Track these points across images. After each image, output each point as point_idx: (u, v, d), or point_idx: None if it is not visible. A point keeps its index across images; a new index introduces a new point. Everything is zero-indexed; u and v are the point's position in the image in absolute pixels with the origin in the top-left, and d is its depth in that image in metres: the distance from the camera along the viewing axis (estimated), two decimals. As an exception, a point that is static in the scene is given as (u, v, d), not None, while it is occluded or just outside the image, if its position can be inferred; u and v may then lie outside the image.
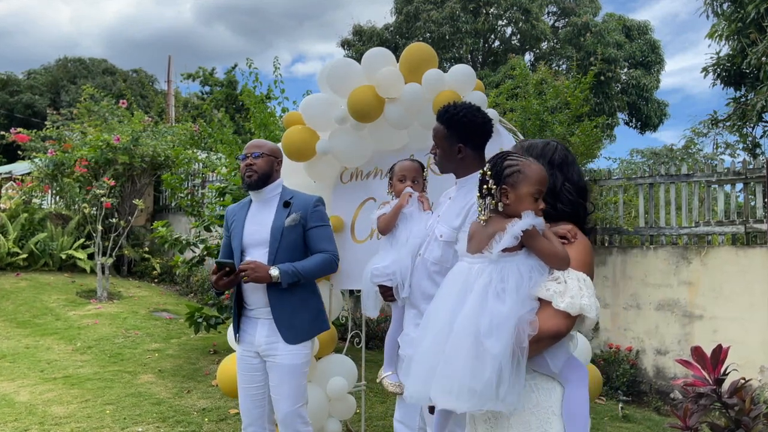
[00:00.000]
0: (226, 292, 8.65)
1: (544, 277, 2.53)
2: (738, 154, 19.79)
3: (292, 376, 4.25)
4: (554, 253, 2.53)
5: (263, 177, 4.37)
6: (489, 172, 2.61)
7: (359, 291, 5.43)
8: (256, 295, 4.29)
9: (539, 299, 2.51)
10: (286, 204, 4.38)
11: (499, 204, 2.58)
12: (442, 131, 3.64)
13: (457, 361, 2.44)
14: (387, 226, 4.10)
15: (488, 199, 2.60)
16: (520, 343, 2.41)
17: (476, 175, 3.63)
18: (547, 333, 2.47)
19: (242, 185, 4.55)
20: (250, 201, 4.52)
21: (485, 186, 2.61)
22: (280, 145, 4.81)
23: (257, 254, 4.25)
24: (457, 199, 3.65)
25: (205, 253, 9.34)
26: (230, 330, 5.25)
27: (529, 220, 2.49)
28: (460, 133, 3.60)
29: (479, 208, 2.66)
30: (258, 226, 4.36)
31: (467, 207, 3.51)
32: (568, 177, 2.82)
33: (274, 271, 4.12)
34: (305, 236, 4.38)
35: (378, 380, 4.21)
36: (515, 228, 2.48)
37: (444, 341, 2.52)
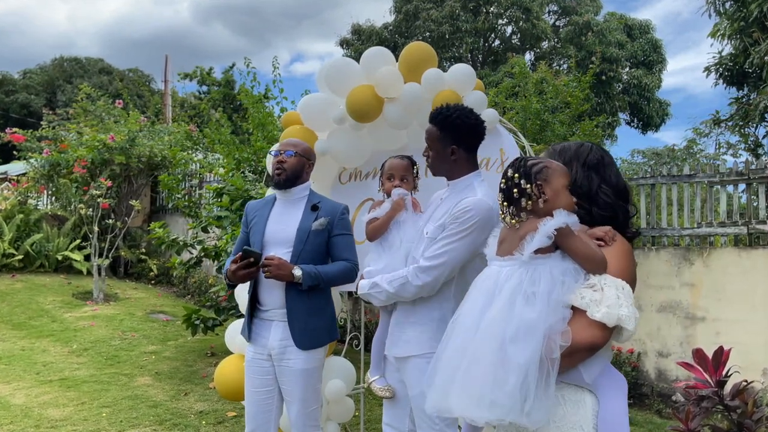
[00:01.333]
0: (224, 293, 8.72)
1: (579, 283, 2.43)
2: (740, 155, 19.86)
3: (305, 380, 4.21)
4: (590, 254, 2.45)
5: (292, 177, 4.30)
6: (516, 175, 2.54)
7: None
8: (272, 296, 4.22)
9: (573, 308, 2.41)
10: (314, 207, 4.32)
11: (538, 202, 2.50)
12: (436, 133, 3.64)
13: (478, 368, 2.35)
14: (376, 234, 4.06)
15: (524, 201, 2.52)
16: (549, 353, 2.30)
17: (468, 178, 3.67)
18: (581, 345, 2.37)
19: (270, 182, 4.47)
20: (274, 199, 4.46)
21: (516, 190, 2.53)
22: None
23: (279, 253, 4.17)
24: (447, 200, 3.66)
25: (202, 254, 9.34)
26: (228, 332, 5.25)
27: (562, 218, 2.43)
28: (453, 134, 3.60)
29: (508, 215, 2.58)
30: (282, 225, 4.29)
31: (453, 205, 3.53)
32: (605, 178, 2.73)
33: (297, 271, 4.06)
34: (329, 243, 4.33)
35: (366, 384, 4.19)
36: (548, 226, 2.41)
37: (467, 347, 2.43)
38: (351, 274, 4.35)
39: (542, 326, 2.32)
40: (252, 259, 4.04)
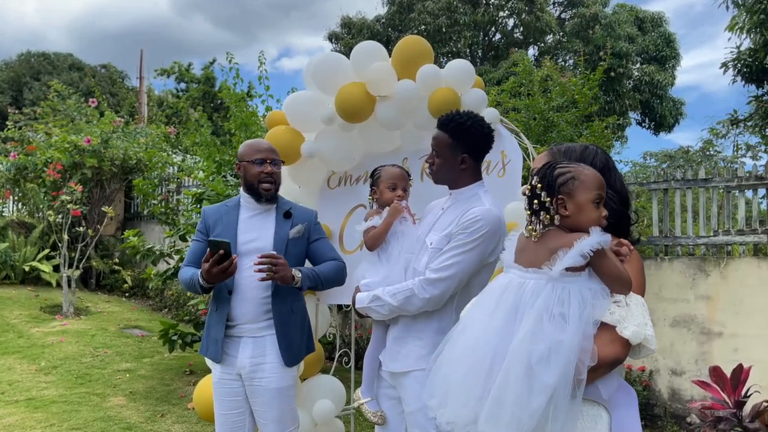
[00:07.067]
0: (203, 306, 8.70)
1: (606, 302, 2.47)
2: (760, 157, 19.85)
3: (280, 399, 4.19)
4: (621, 276, 2.47)
5: (278, 188, 4.34)
6: (539, 185, 2.55)
7: (348, 306, 5.41)
8: (243, 309, 4.18)
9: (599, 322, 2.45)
10: (287, 214, 4.32)
11: (556, 217, 2.51)
12: (446, 140, 3.66)
13: (508, 389, 2.37)
14: (376, 243, 4.08)
15: (542, 214, 2.53)
16: (578, 374, 2.35)
17: (472, 188, 3.70)
18: (605, 361, 2.44)
19: (258, 197, 4.29)
20: (237, 204, 4.40)
21: (536, 201, 2.55)
22: None
23: (254, 265, 4.09)
24: (450, 210, 3.69)
25: (180, 264, 9.31)
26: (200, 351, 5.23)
27: (597, 237, 2.41)
28: (465, 143, 3.64)
29: (529, 226, 2.60)
30: (256, 233, 4.25)
31: (459, 215, 3.54)
32: (610, 184, 2.75)
33: (297, 273, 4.06)
34: (308, 249, 4.37)
35: (356, 404, 4.18)
36: (584, 245, 2.40)
37: (490, 364, 2.45)
38: (343, 273, 4.41)
39: (573, 347, 2.34)
40: (222, 252, 3.90)
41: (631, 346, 2.46)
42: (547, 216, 2.52)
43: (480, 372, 2.46)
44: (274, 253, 4.04)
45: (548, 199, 2.52)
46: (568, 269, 2.43)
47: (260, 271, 3.95)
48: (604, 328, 2.44)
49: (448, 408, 2.59)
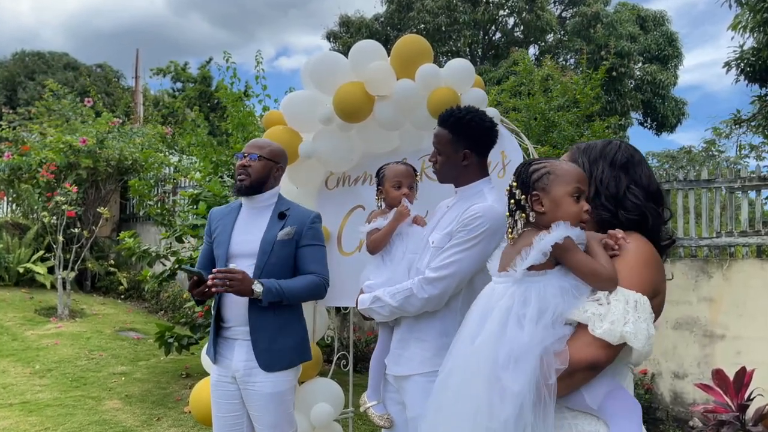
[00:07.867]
0: (199, 309, 8.70)
1: (580, 300, 2.36)
2: (764, 157, 19.83)
3: (275, 404, 4.16)
4: (595, 271, 2.36)
5: (256, 183, 4.26)
6: (515, 184, 2.52)
7: (346, 308, 5.40)
8: (235, 311, 4.18)
9: (578, 323, 2.34)
10: (282, 215, 4.28)
11: (531, 215, 2.47)
12: (447, 136, 3.63)
13: (471, 398, 2.32)
14: (378, 247, 4.05)
15: (518, 213, 2.50)
16: (545, 379, 2.24)
17: (477, 185, 3.67)
18: (580, 364, 2.29)
19: (233, 188, 4.43)
20: (240, 206, 4.42)
21: (512, 201, 2.51)
22: None
23: (244, 266, 4.09)
24: (455, 208, 3.66)
25: (176, 266, 9.29)
26: (204, 351, 5.22)
27: (560, 231, 2.36)
28: (466, 138, 3.61)
29: (508, 228, 2.55)
30: (247, 235, 4.25)
31: (461, 212, 3.52)
32: (634, 179, 2.67)
33: (258, 287, 3.99)
34: (296, 254, 4.29)
35: (362, 408, 4.17)
36: (544, 242, 2.35)
37: (461, 374, 2.41)
38: (319, 288, 4.30)
39: (535, 350, 2.26)
40: (195, 278, 4.01)
41: (617, 348, 2.32)
42: (524, 215, 2.49)
43: (452, 382, 2.44)
44: (233, 266, 4.02)
45: (523, 196, 2.48)
46: (531, 268, 2.38)
47: (213, 285, 3.92)
48: (583, 329, 2.33)
49: (425, 423, 2.59)
